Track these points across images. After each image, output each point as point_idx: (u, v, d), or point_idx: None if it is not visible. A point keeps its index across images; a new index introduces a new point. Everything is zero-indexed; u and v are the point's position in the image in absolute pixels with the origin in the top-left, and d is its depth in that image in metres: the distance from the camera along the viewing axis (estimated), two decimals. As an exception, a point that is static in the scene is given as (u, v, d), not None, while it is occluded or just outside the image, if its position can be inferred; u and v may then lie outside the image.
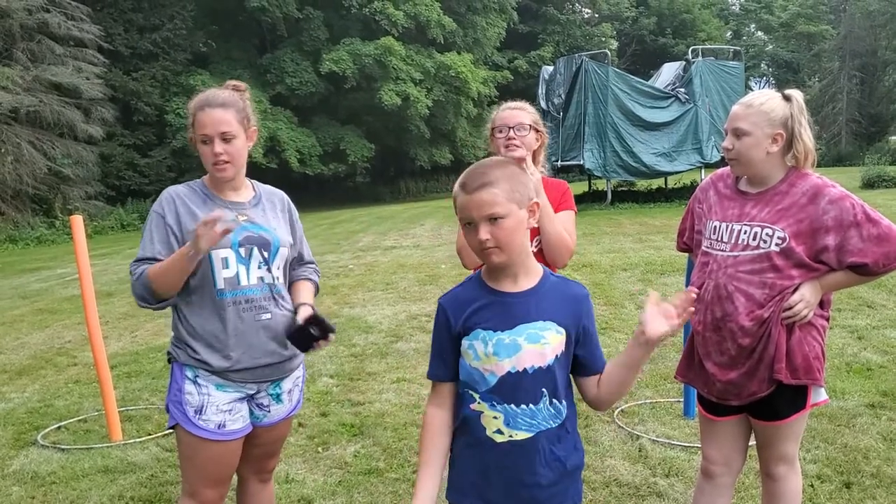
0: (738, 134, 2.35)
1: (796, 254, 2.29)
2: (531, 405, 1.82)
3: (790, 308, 2.29)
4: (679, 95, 17.63)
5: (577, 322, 1.85)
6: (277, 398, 2.45)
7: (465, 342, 1.85)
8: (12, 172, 19.08)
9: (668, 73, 19.84)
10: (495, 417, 1.83)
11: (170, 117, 25.01)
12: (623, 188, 20.61)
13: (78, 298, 7.61)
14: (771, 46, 53.46)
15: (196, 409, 2.30)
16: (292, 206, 2.61)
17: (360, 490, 3.49)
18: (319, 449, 4.01)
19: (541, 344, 1.80)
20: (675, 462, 3.65)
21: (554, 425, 1.84)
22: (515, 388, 1.81)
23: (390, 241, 13.92)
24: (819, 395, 2.43)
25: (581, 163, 17.75)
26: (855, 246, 2.24)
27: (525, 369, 1.80)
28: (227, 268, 2.31)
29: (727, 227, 2.41)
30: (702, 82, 17.72)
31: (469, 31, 33.44)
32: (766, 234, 2.32)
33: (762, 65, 54.31)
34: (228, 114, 2.30)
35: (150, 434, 4.37)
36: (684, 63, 18.95)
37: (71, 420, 4.69)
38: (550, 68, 20.70)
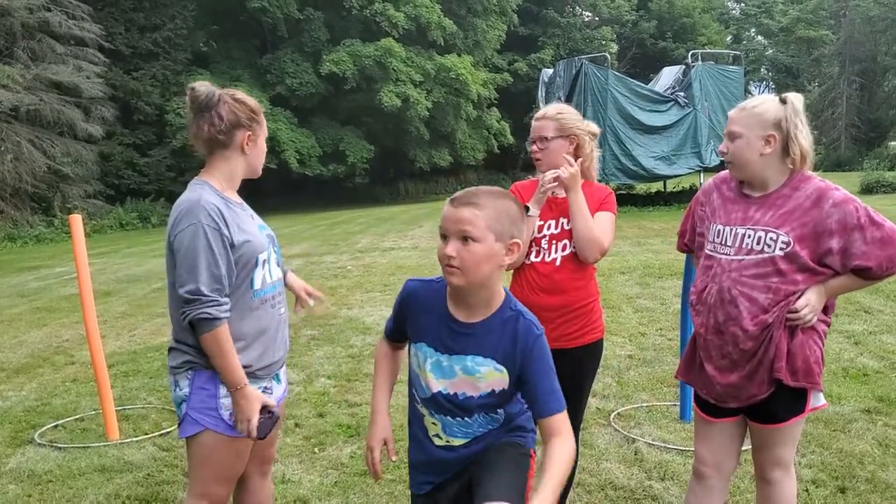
0: (732, 137, 2.39)
1: (801, 258, 2.29)
2: (465, 418, 1.90)
3: (795, 312, 2.30)
4: (678, 99, 17.64)
5: (515, 363, 1.82)
6: (277, 378, 2.50)
7: (411, 346, 1.94)
8: (12, 171, 19.07)
9: (667, 76, 19.85)
10: (434, 423, 1.93)
11: (170, 117, 24.98)
12: (622, 191, 20.61)
13: (76, 297, 7.60)
14: (771, 51, 53.55)
15: (231, 411, 2.31)
16: None
17: (355, 491, 3.49)
18: (316, 450, 4.02)
19: (475, 377, 1.84)
20: (671, 466, 3.66)
21: (493, 428, 1.92)
22: (448, 404, 1.88)
23: (389, 242, 13.93)
24: (818, 400, 2.44)
25: (580, 166, 17.74)
26: (859, 249, 2.24)
27: (456, 393, 1.86)
28: (263, 268, 2.36)
29: (731, 230, 2.42)
30: (701, 86, 17.72)
31: (469, 33, 33.45)
32: (771, 239, 2.32)
33: (762, 69, 54.39)
34: None
35: (146, 433, 4.37)
36: (684, 67, 18.96)
37: (68, 419, 4.69)
38: (550, 71, 20.72)
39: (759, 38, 55.76)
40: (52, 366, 6.09)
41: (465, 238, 1.74)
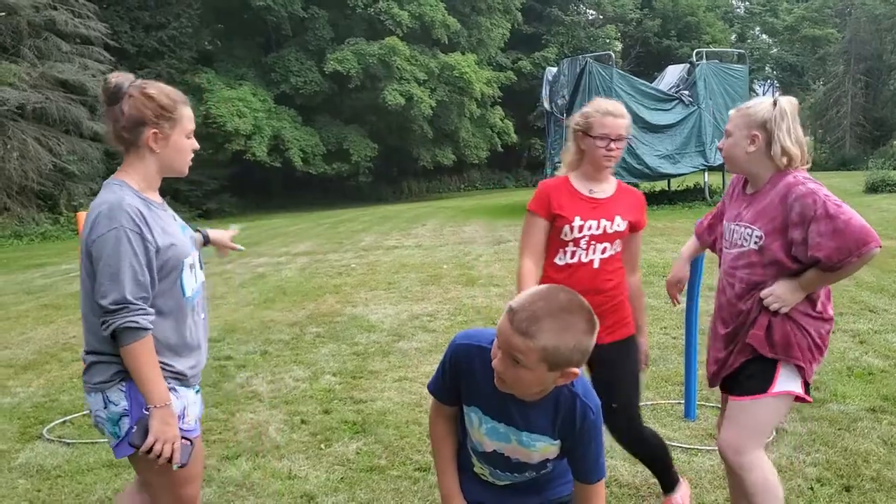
0: (726, 134, 2.60)
1: (771, 251, 2.45)
2: (515, 474, 1.93)
3: (763, 300, 2.46)
4: (683, 98, 17.62)
5: (568, 439, 1.84)
6: (197, 389, 2.42)
7: (463, 406, 1.92)
8: (18, 168, 19.13)
9: (672, 75, 19.82)
10: (482, 468, 1.98)
11: (175, 115, 25.05)
12: (626, 190, 20.58)
13: (82, 294, 7.63)
14: (776, 49, 53.41)
15: (179, 415, 2.21)
16: None
17: (362, 487, 3.51)
18: (322, 446, 4.04)
19: (530, 450, 1.85)
20: (675, 463, 3.66)
21: (538, 474, 1.96)
22: (501, 462, 1.91)
23: (392, 240, 13.95)
24: (787, 384, 2.46)
25: (584, 164, 17.76)
26: (814, 241, 2.36)
27: (509, 457, 1.88)
28: (191, 272, 2.27)
29: (729, 227, 2.63)
30: (706, 85, 17.70)
31: (473, 31, 33.46)
32: (747, 234, 2.51)
33: (766, 68, 54.24)
34: None
35: (154, 430, 4.40)
36: (688, 65, 18.93)
37: (76, 415, 4.72)
38: (554, 69, 20.70)
39: (764, 36, 55.63)
40: (59, 362, 6.12)
41: (516, 360, 1.65)
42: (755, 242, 2.48)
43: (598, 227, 2.82)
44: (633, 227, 2.94)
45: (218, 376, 5.39)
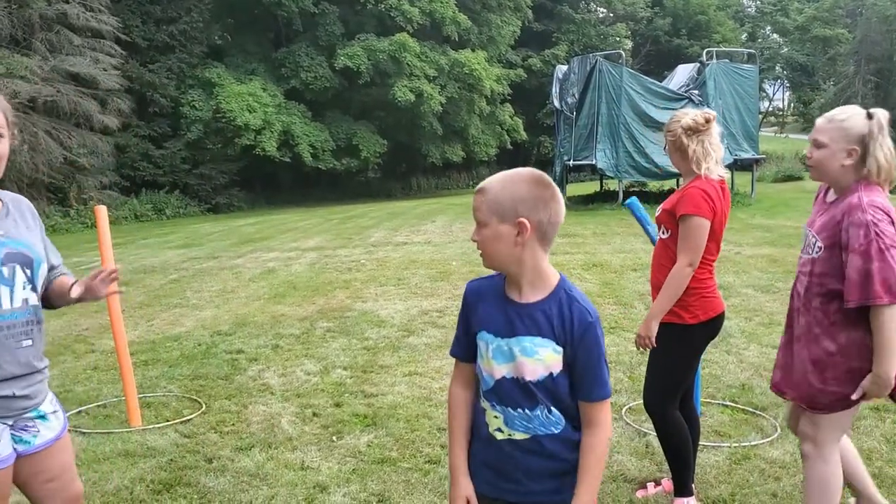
0: (815, 144, 2.72)
1: (830, 263, 2.61)
2: (527, 410, 1.88)
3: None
4: (692, 97, 17.63)
5: (568, 345, 1.84)
6: (43, 418, 2.22)
7: (476, 339, 1.94)
8: (28, 161, 19.25)
9: (682, 74, 19.85)
10: (496, 417, 1.92)
11: (185, 109, 25.20)
12: (635, 189, 20.62)
13: (95, 287, 7.69)
14: (786, 49, 53.25)
15: None
16: (37, 214, 2.33)
17: (373, 478, 3.58)
18: (334, 438, 4.11)
19: (534, 359, 1.84)
20: (681, 459, 3.72)
21: (555, 431, 1.88)
22: (511, 392, 1.88)
23: (402, 237, 14.01)
24: None
25: (593, 162, 17.80)
26: (847, 271, 2.55)
27: (518, 378, 1.86)
28: None
29: (805, 231, 2.75)
30: (716, 85, 17.71)
31: (484, 28, 33.50)
32: (813, 242, 2.66)
33: (777, 67, 54.08)
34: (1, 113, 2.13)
35: (168, 420, 4.48)
36: (698, 65, 18.94)
37: (91, 405, 4.81)
38: (564, 67, 20.74)
39: (775, 36, 55.49)
40: (73, 353, 6.21)
41: (478, 222, 1.85)
42: (817, 252, 2.59)
43: (658, 211, 3.20)
44: (675, 215, 3.06)
45: (230, 369, 5.47)
